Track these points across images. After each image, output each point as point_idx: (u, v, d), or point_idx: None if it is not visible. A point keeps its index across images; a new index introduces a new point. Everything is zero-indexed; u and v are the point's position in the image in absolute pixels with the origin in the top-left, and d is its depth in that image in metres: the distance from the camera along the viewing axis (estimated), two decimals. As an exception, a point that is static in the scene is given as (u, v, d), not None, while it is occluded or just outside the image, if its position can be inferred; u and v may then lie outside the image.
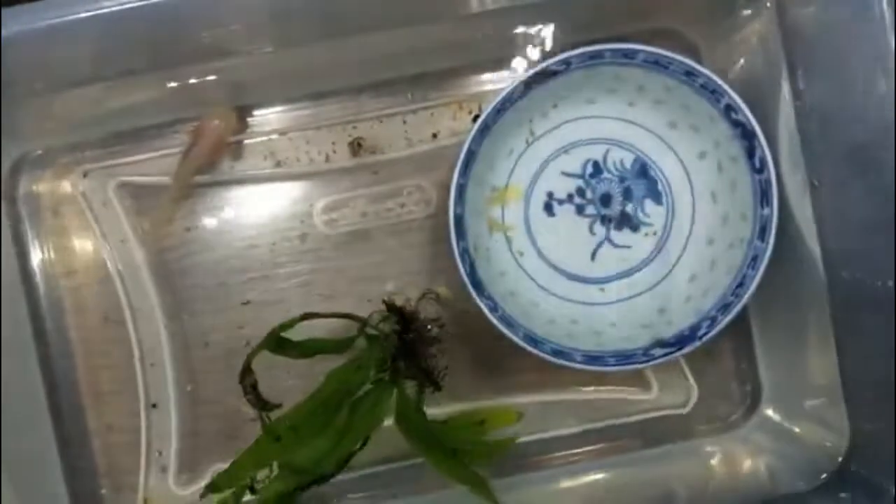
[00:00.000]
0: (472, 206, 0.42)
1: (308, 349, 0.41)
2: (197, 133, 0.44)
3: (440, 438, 0.40)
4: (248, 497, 0.40)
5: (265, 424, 0.39)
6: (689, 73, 0.40)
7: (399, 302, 0.42)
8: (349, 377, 0.40)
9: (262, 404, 0.40)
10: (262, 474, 0.39)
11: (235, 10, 0.38)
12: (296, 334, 0.41)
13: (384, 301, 0.40)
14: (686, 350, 0.40)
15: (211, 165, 0.45)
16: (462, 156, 0.40)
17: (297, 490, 0.40)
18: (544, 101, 0.43)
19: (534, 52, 0.45)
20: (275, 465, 0.39)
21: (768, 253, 0.39)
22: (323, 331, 0.42)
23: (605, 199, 0.45)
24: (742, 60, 0.43)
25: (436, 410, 0.43)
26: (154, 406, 0.46)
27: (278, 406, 0.40)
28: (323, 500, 0.45)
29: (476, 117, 0.44)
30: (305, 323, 0.40)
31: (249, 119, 0.46)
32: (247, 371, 0.39)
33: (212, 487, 0.39)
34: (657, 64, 0.40)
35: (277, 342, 0.40)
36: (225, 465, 0.39)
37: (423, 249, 0.46)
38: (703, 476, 0.46)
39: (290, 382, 0.45)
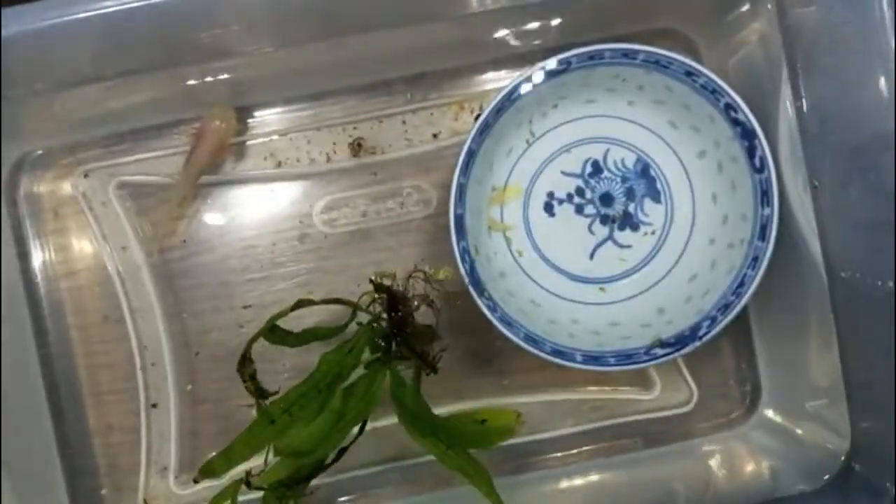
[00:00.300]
0: (472, 206, 0.42)
1: (304, 337, 0.41)
2: (198, 135, 0.44)
3: (438, 424, 0.40)
4: (250, 497, 0.40)
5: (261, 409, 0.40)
6: (690, 73, 0.40)
7: (387, 283, 0.41)
8: (341, 359, 0.40)
9: (260, 392, 0.40)
10: (255, 470, 0.39)
11: (235, 10, 0.38)
12: (293, 327, 0.41)
13: (371, 280, 0.40)
14: (686, 350, 0.40)
15: (214, 166, 0.45)
16: (462, 156, 0.40)
17: (301, 482, 0.39)
18: (545, 100, 0.43)
19: (534, 52, 0.45)
20: (270, 455, 0.39)
21: (769, 253, 0.39)
22: (319, 322, 0.43)
23: (606, 199, 0.45)
24: (742, 60, 0.43)
25: (437, 410, 0.43)
26: (154, 406, 0.46)
27: (275, 393, 0.40)
28: (323, 499, 0.45)
29: (477, 117, 0.44)
30: (302, 315, 0.40)
31: (250, 119, 0.46)
32: (245, 360, 0.40)
33: (206, 471, 0.39)
34: (657, 64, 0.40)
35: (273, 331, 0.40)
36: (225, 466, 0.39)
37: (422, 249, 0.46)
38: (703, 476, 0.46)
39: (285, 376, 0.45)
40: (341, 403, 0.39)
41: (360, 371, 0.40)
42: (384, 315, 0.40)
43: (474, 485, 0.38)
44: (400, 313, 0.40)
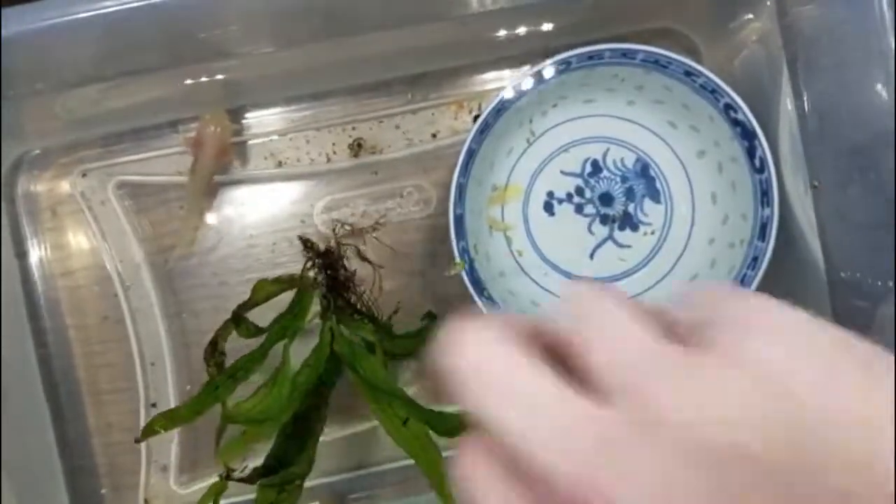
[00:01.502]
0: (472, 206, 0.42)
1: (271, 326, 0.42)
2: (197, 143, 0.44)
3: (397, 393, 0.39)
4: (248, 497, 0.40)
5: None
6: (689, 73, 0.40)
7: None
8: (286, 323, 0.41)
9: None
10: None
11: (235, 11, 0.38)
12: (271, 316, 0.41)
13: (300, 238, 0.41)
14: (686, 350, 0.40)
15: (221, 168, 0.45)
16: (462, 155, 0.40)
17: (298, 481, 0.39)
18: (545, 100, 0.43)
19: (534, 52, 0.45)
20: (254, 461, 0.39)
21: (769, 253, 0.39)
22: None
23: (605, 199, 0.45)
24: (742, 60, 0.43)
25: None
26: (154, 406, 0.46)
27: None
28: (324, 500, 0.45)
29: (477, 117, 0.44)
30: (280, 305, 0.41)
31: (251, 120, 0.46)
32: (215, 349, 0.40)
33: (147, 431, 0.39)
34: (657, 64, 0.40)
35: (241, 323, 0.41)
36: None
37: (422, 249, 0.46)
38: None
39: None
40: (290, 366, 0.39)
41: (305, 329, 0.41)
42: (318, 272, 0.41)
43: (424, 473, 0.38)
44: (322, 261, 0.41)
